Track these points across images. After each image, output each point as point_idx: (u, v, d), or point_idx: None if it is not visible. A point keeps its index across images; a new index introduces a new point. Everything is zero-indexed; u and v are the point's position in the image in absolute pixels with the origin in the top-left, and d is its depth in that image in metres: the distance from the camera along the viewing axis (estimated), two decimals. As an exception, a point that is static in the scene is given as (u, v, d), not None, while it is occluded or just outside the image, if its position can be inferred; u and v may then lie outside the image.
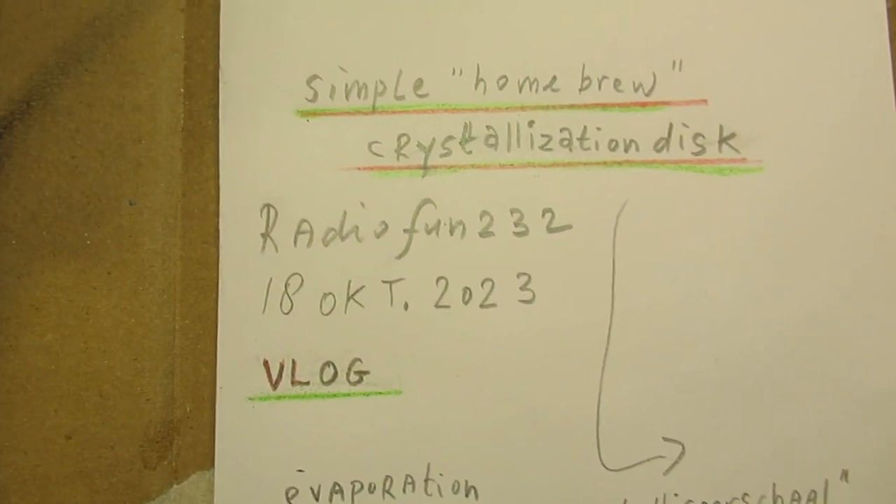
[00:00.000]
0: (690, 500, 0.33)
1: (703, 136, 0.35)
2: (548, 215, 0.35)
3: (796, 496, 0.33)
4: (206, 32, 0.37)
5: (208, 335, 0.35)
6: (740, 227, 0.35)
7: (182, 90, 0.36)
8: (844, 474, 0.33)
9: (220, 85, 0.36)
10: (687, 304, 0.34)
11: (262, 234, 0.35)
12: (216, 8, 0.37)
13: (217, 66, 0.36)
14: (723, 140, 0.35)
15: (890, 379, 0.33)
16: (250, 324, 0.35)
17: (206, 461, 0.34)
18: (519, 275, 0.35)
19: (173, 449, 0.34)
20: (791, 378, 0.34)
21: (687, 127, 0.35)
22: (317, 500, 0.33)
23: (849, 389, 0.33)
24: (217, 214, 0.36)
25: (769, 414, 0.33)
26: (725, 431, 0.33)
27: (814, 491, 0.33)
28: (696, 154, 0.35)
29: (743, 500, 0.33)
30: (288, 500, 0.33)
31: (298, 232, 0.35)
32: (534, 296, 0.35)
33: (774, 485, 0.33)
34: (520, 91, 0.36)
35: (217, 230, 0.35)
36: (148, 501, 0.34)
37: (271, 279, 0.35)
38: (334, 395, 0.34)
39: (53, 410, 0.35)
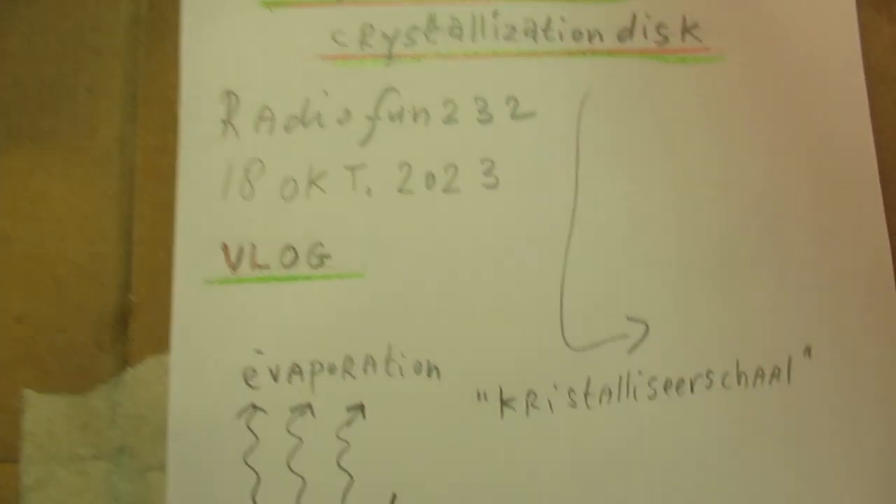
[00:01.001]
0: (654, 377, 0.39)
1: (667, 27, 0.42)
2: (511, 103, 0.42)
3: (760, 372, 0.39)
4: (169, -78, 0.43)
5: (167, 221, 0.41)
6: (702, 114, 0.41)
7: (144, -19, 0.43)
8: (808, 350, 0.39)
9: (183, -26, 0.42)
10: (649, 187, 0.41)
11: (223, 121, 0.41)
12: None
13: (179, -44, 0.43)
14: (686, 30, 0.42)
15: (851, 257, 0.40)
16: (210, 209, 0.40)
17: (162, 345, 0.40)
18: (483, 160, 0.41)
19: (128, 333, 0.40)
20: (752, 257, 0.40)
21: (650, 17, 0.42)
22: (275, 380, 0.39)
23: (810, 267, 0.40)
24: (177, 102, 0.42)
25: (731, 292, 0.40)
26: (688, 310, 0.40)
27: (777, 367, 0.39)
28: (659, 44, 0.42)
29: (707, 376, 0.39)
30: (246, 381, 0.39)
31: (260, 119, 0.41)
32: (497, 181, 0.41)
33: (738, 361, 0.39)
34: (483, -18, 0.43)
35: (176, 117, 0.42)
36: (100, 384, 0.39)
37: (231, 165, 0.41)
38: (294, 278, 0.40)
39: (4, 293, 0.40)
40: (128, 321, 0.37)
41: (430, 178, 0.38)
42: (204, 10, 0.39)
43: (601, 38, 0.39)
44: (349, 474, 0.35)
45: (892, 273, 0.37)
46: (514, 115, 0.38)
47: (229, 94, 0.38)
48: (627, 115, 0.38)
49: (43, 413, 0.36)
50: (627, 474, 0.35)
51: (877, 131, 0.39)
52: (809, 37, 0.39)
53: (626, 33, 0.39)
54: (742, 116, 0.38)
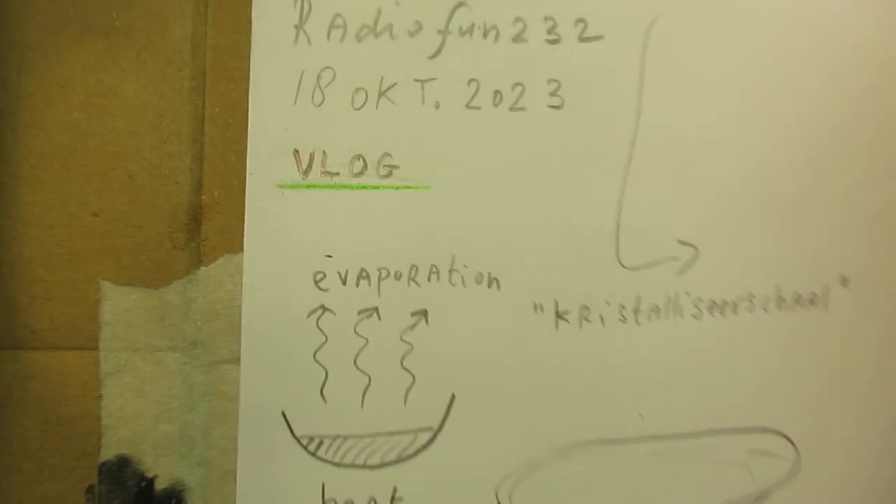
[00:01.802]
0: (700, 299, 0.42)
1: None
2: (580, 25, 0.42)
3: (798, 298, 0.42)
4: None
5: (238, 124, 0.42)
6: (768, 48, 0.43)
7: None
8: (844, 280, 0.42)
9: None
10: (710, 116, 0.42)
11: (296, 26, 0.42)
12: None
13: None
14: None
15: (889, 194, 0.43)
16: (281, 114, 0.41)
17: (235, 245, 0.41)
18: (549, 81, 0.42)
19: (201, 232, 0.42)
20: (800, 190, 0.42)
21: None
22: (344, 284, 0.41)
23: (850, 202, 0.42)
24: (249, 4, 0.42)
25: (775, 222, 0.42)
26: (735, 237, 0.42)
27: (815, 293, 0.42)
28: (727, -26, 0.43)
29: (749, 300, 0.42)
30: (316, 283, 0.41)
31: (332, 26, 0.42)
32: (563, 102, 0.42)
33: (779, 287, 0.42)
34: None
35: (249, 20, 0.42)
36: (175, 280, 0.41)
37: (303, 71, 0.41)
38: (363, 187, 0.42)
39: (80, 188, 0.41)
40: (201, 220, 0.38)
41: (498, 96, 0.39)
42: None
43: (672, -36, 0.39)
44: (412, 374, 0.38)
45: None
46: (581, 37, 0.39)
47: (302, -1, 0.39)
48: (694, 43, 0.39)
49: (120, 304, 0.38)
50: (669, 387, 0.38)
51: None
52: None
53: (698, -40, 0.40)
54: (800, 57, 0.39)
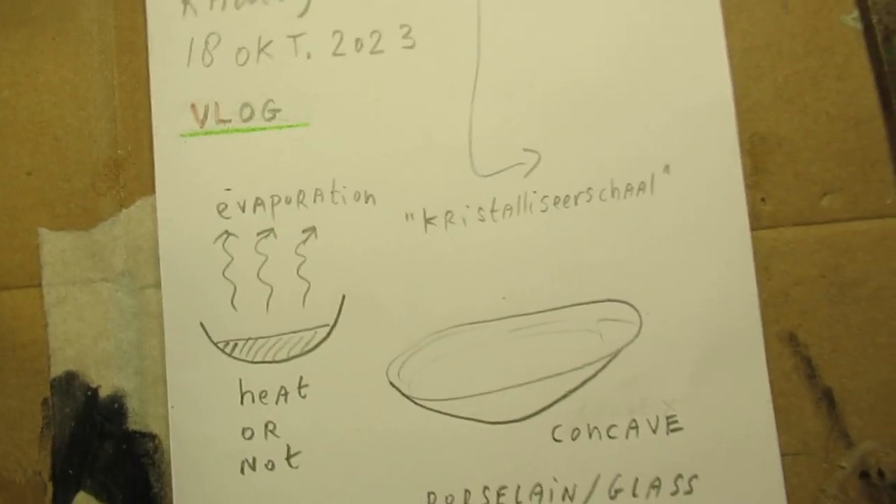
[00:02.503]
0: (546, 196, 0.49)
1: None
2: (424, -24, 0.50)
3: (629, 187, 0.50)
4: None
5: (142, 88, 0.50)
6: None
7: None
8: (667, 168, 0.50)
9: None
10: (541, 39, 0.50)
11: (183, 1, 0.50)
12: None
13: None
14: None
15: (698, 93, 0.50)
16: (177, 76, 0.49)
17: (149, 189, 0.49)
18: (401, 25, 0.50)
19: (119, 180, 0.50)
20: (625, 96, 0.49)
21: None
22: (243, 211, 0.49)
23: (670, 102, 0.50)
24: (143, -13, 0.50)
25: (606, 125, 0.49)
26: (573, 141, 0.49)
27: (643, 182, 0.50)
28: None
29: (588, 192, 0.49)
30: (219, 213, 0.49)
31: (214, -2, 0.50)
32: (414, 43, 0.50)
33: (612, 179, 0.49)
34: None
35: (144, 0, 0.50)
36: (101, 222, 0.49)
37: (193, 38, 0.50)
38: (252, 129, 0.49)
39: (14, 153, 0.49)
40: (119, 171, 0.46)
41: (359, 42, 0.47)
42: None
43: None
44: (307, 281, 0.45)
45: (731, 104, 0.47)
46: (426, -14, 0.47)
47: (186, -22, 0.46)
48: (520, -18, 0.47)
49: (57, 246, 0.46)
50: (525, 273, 0.46)
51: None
52: None
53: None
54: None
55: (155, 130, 0.46)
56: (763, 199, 0.47)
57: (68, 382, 0.45)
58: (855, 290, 0.45)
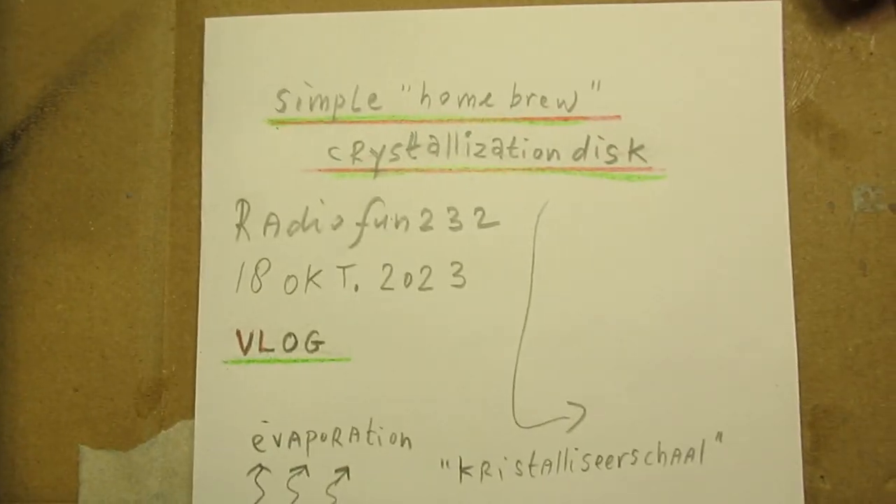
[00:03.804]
0: (588, 454, 0.48)
1: (616, 147, 0.49)
2: (479, 213, 0.49)
3: (678, 452, 0.47)
4: (193, 49, 0.51)
5: (191, 309, 0.50)
6: (644, 227, 0.49)
7: (172, 99, 0.51)
8: (719, 435, 0.47)
9: (204, 96, 0.51)
10: (594, 291, 0.48)
11: (237, 225, 0.50)
12: (201, 28, 0.51)
13: (202, 79, 0.51)
14: (632, 151, 0.49)
15: (758, 358, 0.47)
16: (225, 300, 0.50)
17: (189, 412, 0.50)
18: (452, 263, 0.49)
19: (161, 401, 0.50)
20: (677, 355, 0.47)
21: (602, 139, 0.49)
22: (278, 445, 0.49)
23: (728, 366, 0.47)
24: (199, 207, 0.50)
25: (657, 384, 0.48)
26: (620, 398, 0.48)
27: (692, 448, 0.47)
28: (608, 163, 0.49)
29: (633, 454, 0.48)
30: (254, 445, 0.49)
31: (267, 223, 0.50)
32: (464, 281, 0.49)
33: (660, 443, 0.47)
34: (459, 105, 0.50)
35: (199, 220, 0.50)
36: (140, 443, 0.50)
37: (244, 263, 0.50)
38: (294, 361, 0.49)
39: (63, 368, 0.50)
40: (161, 392, 0.46)
41: (408, 277, 0.46)
42: (221, 125, 0.48)
43: (558, 157, 0.47)
44: (337, 523, 0.45)
45: (795, 372, 0.44)
46: (480, 224, 0.46)
47: (242, 201, 0.47)
48: (578, 227, 0.46)
49: (95, 465, 0.46)
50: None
51: (794, 245, 0.45)
52: (740, 158, 0.46)
53: (581, 153, 0.47)
54: (679, 229, 0.45)
55: (199, 354, 0.46)
56: (822, 477, 0.44)
57: None
58: None
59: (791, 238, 0.46)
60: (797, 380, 0.45)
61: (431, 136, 0.47)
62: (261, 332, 0.47)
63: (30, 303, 0.48)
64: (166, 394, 0.47)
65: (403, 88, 0.47)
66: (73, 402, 0.47)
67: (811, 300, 0.46)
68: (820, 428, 0.45)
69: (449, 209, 0.47)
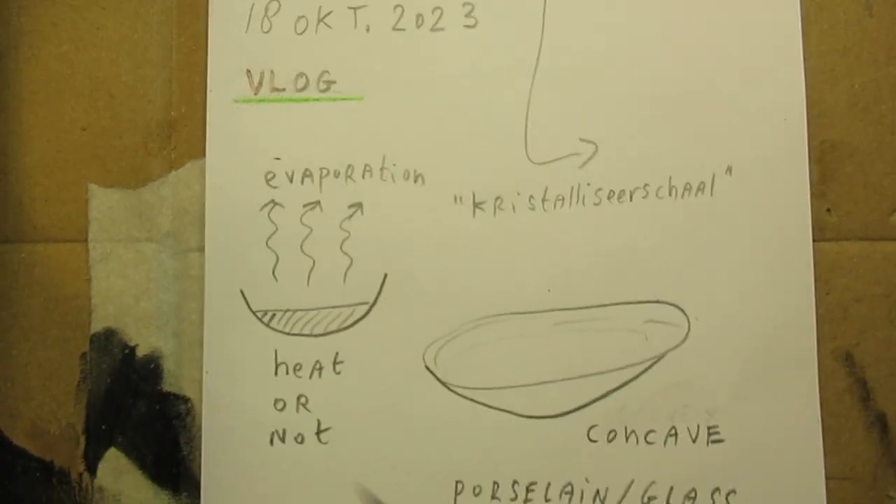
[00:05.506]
0: (600, 189, 0.48)
1: None
2: (492, -46, 0.49)
3: (688, 186, 0.48)
4: None
5: (200, 50, 0.50)
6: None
7: None
8: (729, 169, 0.48)
9: None
10: (605, 28, 0.48)
11: None
12: None
13: None
14: None
15: (767, 93, 0.48)
16: (235, 40, 0.49)
17: (199, 152, 0.49)
18: (464, 4, 0.49)
19: (171, 142, 0.50)
20: (691, 91, 0.48)
21: None
22: (291, 181, 0.48)
23: (738, 102, 0.48)
24: (208, -52, 0.50)
25: (668, 119, 0.48)
26: (632, 134, 0.48)
27: (703, 182, 0.48)
28: None
29: (644, 189, 0.48)
30: (267, 181, 0.49)
31: (277, -36, 0.49)
32: (476, 22, 0.49)
33: (671, 177, 0.48)
34: None
35: None
36: (150, 182, 0.49)
37: (253, 3, 0.49)
38: (306, 100, 0.49)
39: (70, 108, 0.49)
40: (171, 132, 0.46)
41: (420, 18, 0.46)
42: None
43: None
44: (350, 257, 0.45)
45: (804, 106, 0.45)
46: (493, -35, 0.46)
47: (252, -58, 0.46)
48: (591, -33, 0.45)
49: (105, 203, 0.46)
50: (573, 266, 0.45)
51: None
52: None
53: None
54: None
55: (209, 94, 0.46)
56: (829, 210, 0.45)
57: (107, 339, 0.45)
58: (919, 311, 0.43)
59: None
60: (805, 115, 0.46)
61: None
62: (271, 72, 0.46)
63: (35, 44, 0.47)
64: (176, 134, 0.47)
65: None
66: (81, 141, 0.47)
67: (819, 40, 0.46)
68: (827, 162, 0.46)
69: (462, -50, 0.46)
